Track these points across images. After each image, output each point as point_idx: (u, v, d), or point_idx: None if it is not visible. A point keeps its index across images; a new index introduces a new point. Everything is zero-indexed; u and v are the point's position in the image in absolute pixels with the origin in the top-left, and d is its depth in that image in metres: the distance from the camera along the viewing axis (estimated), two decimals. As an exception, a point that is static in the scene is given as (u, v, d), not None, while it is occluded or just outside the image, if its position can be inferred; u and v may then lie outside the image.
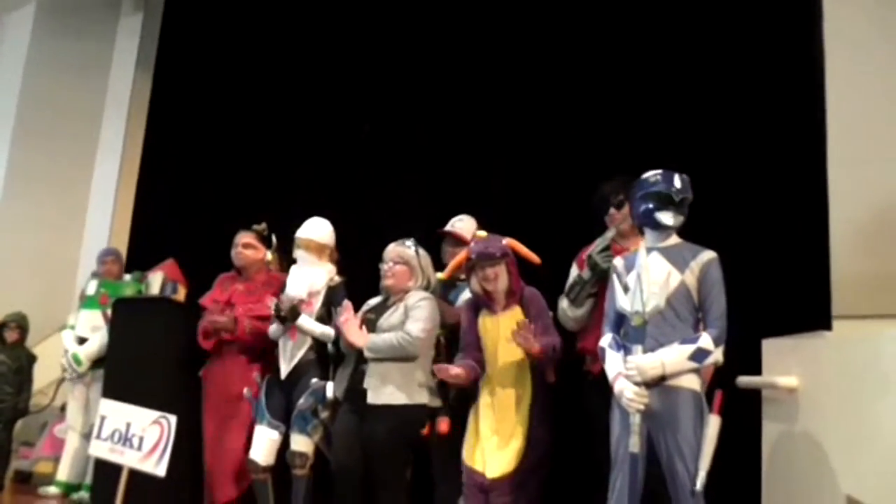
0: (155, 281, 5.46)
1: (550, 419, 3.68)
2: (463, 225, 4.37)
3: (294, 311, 4.20)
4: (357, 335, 3.87)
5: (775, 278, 4.50)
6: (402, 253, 4.02)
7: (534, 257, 3.87)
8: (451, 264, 4.07)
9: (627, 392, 3.02)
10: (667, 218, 3.19)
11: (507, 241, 3.84)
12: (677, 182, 3.20)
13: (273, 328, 4.34)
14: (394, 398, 3.76)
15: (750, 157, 4.75)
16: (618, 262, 3.35)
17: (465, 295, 4.06)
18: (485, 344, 3.78)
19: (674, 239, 3.24)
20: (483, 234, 3.96)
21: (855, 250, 3.96)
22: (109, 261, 5.82)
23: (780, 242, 4.55)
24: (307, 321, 4.23)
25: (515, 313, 3.74)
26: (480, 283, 3.77)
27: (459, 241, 4.23)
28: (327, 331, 4.22)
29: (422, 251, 4.07)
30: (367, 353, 3.83)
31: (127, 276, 5.78)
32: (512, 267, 3.78)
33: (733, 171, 4.75)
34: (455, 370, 3.68)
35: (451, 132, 6.09)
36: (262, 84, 7.27)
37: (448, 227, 4.38)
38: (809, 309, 4.04)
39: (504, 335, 3.67)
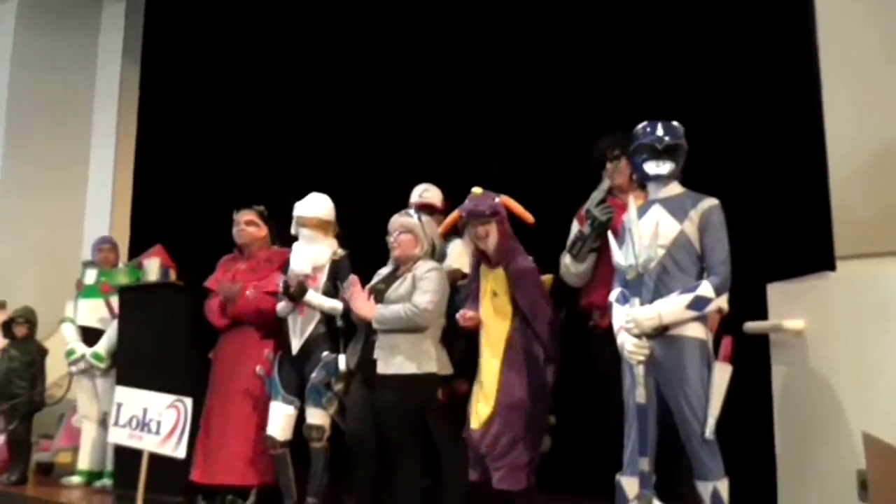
0: (152, 267, 5.48)
1: (534, 368, 3.74)
2: (430, 194, 4.53)
3: (301, 288, 4.22)
4: (365, 307, 3.90)
5: (777, 222, 4.51)
6: (404, 222, 4.05)
7: (528, 216, 3.90)
8: (446, 222, 4.14)
9: (628, 344, 3.05)
10: (652, 167, 3.20)
11: (501, 198, 3.87)
12: (660, 130, 3.21)
13: (281, 306, 4.37)
14: (403, 368, 3.79)
15: (746, 101, 4.74)
16: (624, 217, 3.35)
17: (452, 247, 4.21)
18: (481, 295, 3.86)
19: (675, 189, 3.24)
20: (479, 190, 3.98)
21: (855, 189, 3.94)
22: (106, 248, 5.82)
23: (780, 185, 4.55)
24: (315, 296, 4.26)
25: (499, 274, 3.81)
26: (473, 240, 3.86)
27: (432, 210, 4.40)
28: (335, 304, 4.25)
29: (425, 217, 4.09)
30: (375, 325, 3.86)
31: (120, 265, 5.83)
32: (503, 225, 3.80)
33: (730, 116, 4.75)
34: (469, 313, 3.82)
35: (443, 97, 6.07)
36: (252, 66, 7.25)
37: (416, 199, 4.49)
38: (813, 250, 4.04)
39: (489, 291, 3.79)
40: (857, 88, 4.01)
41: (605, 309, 3.61)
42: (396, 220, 4.07)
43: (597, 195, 3.82)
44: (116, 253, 5.92)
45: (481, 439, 3.64)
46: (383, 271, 4.17)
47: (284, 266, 4.49)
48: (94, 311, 5.60)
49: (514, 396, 3.64)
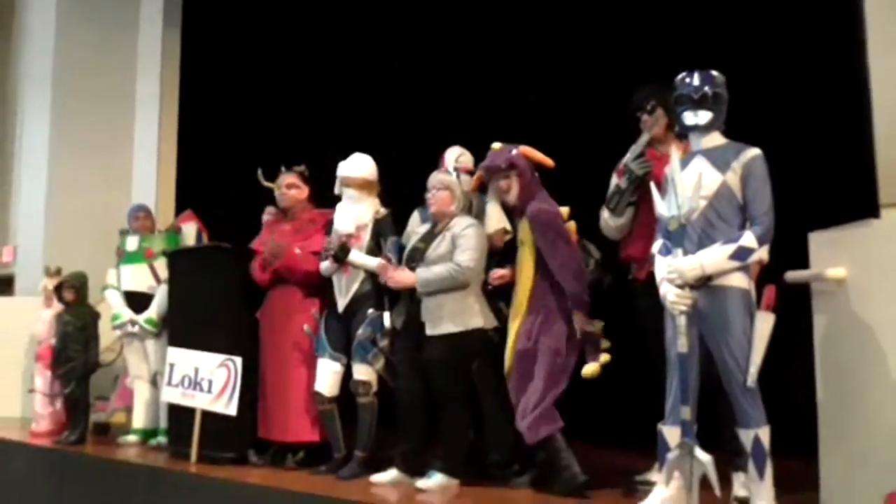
0: (189, 231, 5.62)
1: (553, 314, 3.75)
2: (465, 158, 4.52)
3: (344, 249, 4.28)
4: (404, 277, 3.97)
5: (820, 170, 4.46)
6: (442, 179, 4.12)
7: (547, 161, 3.94)
8: (472, 183, 4.25)
9: (670, 295, 3.06)
10: (690, 118, 3.19)
11: (519, 149, 3.91)
12: (696, 80, 3.19)
13: (325, 265, 4.44)
14: (450, 327, 3.87)
15: (788, 47, 4.67)
16: (666, 169, 3.35)
17: (490, 208, 4.20)
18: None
19: (717, 139, 3.21)
20: (498, 145, 4.02)
21: (901, 136, 3.88)
22: (142, 216, 5.96)
23: (824, 133, 4.49)
24: (359, 256, 4.32)
25: (524, 224, 3.85)
26: (499, 196, 3.93)
27: (469, 175, 4.42)
28: (376, 261, 4.30)
29: (463, 175, 4.14)
30: (420, 290, 3.91)
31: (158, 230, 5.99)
32: (523, 177, 3.83)
33: (773, 63, 4.68)
34: (499, 271, 3.96)
35: (480, 53, 6.05)
36: (291, 26, 7.27)
37: (453, 164, 4.48)
38: (856, 198, 3.99)
39: (520, 241, 3.86)
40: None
41: (643, 261, 3.64)
42: (434, 177, 4.14)
43: (635, 149, 3.82)
44: (153, 219, 6.07)
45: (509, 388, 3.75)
46: (421, 230, 4.22)
47: (328, 226, 4.55)
48: (139, 277, 5.75)
49: (528, 343, 3.71)
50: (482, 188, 4.24)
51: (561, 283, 3.71)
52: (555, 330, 3.72)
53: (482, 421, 4.06)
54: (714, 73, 3.22)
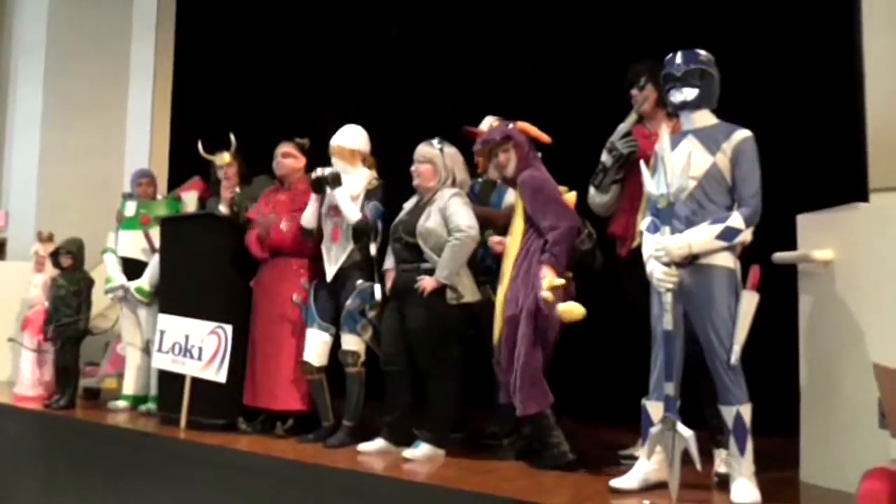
0: (190, 199, 5.61)
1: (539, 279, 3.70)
2: (488, 124, 4.45)
3: (337, 177, 4.30)
4: (428, 282, 3.89)
5: (811, 154, 4.48)
6: (425, 153, 4.13)
7: (543, 137, 3.95)
8: (481, 164, 4.30)
9: (657, 272, 3.09)
10: (675, 95, 3.21)
11: (516, 125, 3.92)
12: (678, 58, 3.21)
13: (307, 215, 4.46)
14: (435, 298, 3.90)
15: (781, 29, 4.67)
16: (657, 147, 3.37)
17: (509, 195, 4.19)
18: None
19: (708, 119, 3.23)
20: (495, 123, 4.09)
21: (892, 121, 3.90)
22: (145, 182, 5.95)
23: (816, 117, 4.51)
24: (343, 197, 4.30)
25: (517, 193, 3.87)
26: (499, 172, 3.96)
27: None
28: (357, 213, 4.28)
29: (448, 149, 4.16)
30: (451, 281, 3.89)
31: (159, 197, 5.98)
32: (520, 149, 3.85)
33: (765, 45, 4.68)
34: (497, 238, 4.03)
35: (479, 25, 6.05)
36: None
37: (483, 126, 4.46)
38: (846, 182, 4.03)
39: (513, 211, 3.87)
40: (898, 16, 3.93)
41: (626, 239, 3.69)
42: (419, 150, 4.16)
43: (623, 127, 3.86)
44: (155, 186, 6.06)
45: (498, 359, 3.77)
46: (407, 205, 4.24)
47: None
48: (135, 243, 5.75)
49: (515, 309, 3.67)
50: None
51: (547, 239, 3.67)
52: (536, 294, 3.67)
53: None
54: (699, 51, 3.23)
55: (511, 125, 3.93)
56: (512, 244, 3.82)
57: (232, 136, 5.17)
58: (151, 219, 5.67)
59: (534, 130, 3.94)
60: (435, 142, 4.17)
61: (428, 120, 4.84)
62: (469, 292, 3.97)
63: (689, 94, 3.18)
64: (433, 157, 4.11)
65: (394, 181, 4.52)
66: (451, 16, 6.26)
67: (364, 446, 4.06)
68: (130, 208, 5.83)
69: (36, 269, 6.47)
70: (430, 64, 6.32)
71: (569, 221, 3.70)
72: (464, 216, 3.94)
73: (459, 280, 3.95)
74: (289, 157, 4.80)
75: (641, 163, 3.37)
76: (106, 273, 5.83)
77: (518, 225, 3.80)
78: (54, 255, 5.98)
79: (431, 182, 4.10)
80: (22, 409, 5.79)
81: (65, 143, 8.02)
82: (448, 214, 3.95)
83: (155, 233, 5.60)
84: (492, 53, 5.98)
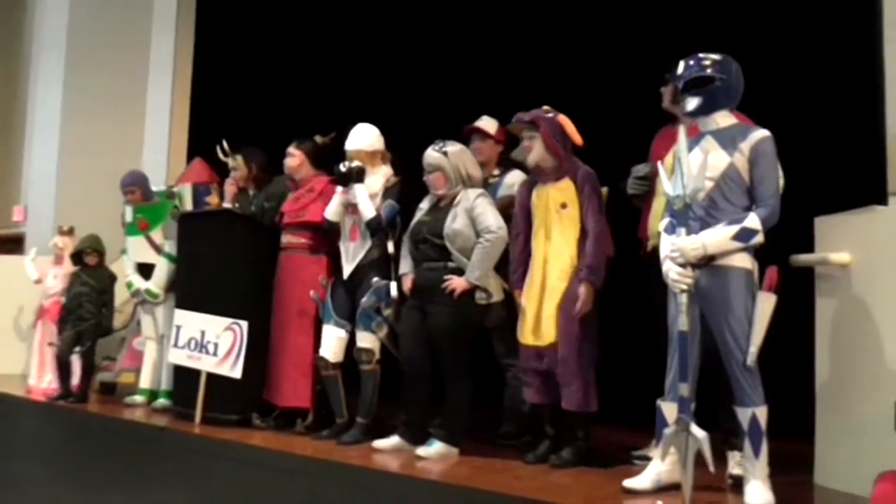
0: (185, 193, 5.58)
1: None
2: (485, 122, 4.64)
3: (362, 171, 4.32)
4: (457, 283, 3.92)
5: (829, 156, 4.46)
6: (431, 161, 4.12)
7: (577, 137, 3.92)
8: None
9: (672, 273, 3.09)
10: (686, 105, 3.21)
11: (556, 116, 3.89)
12: (680, 67, 3.22)
13: (331, 208, 4.47)
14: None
15: (800, 31, 4.65)
16: (674, 148, 3.36)
17: (505, 187, 4.36)
18: (535, 214, 3.90)
19: (727, 120, 3.20)
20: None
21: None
22: (129, 192, 5.91)
23: (835, 119, 4.49)
24: (363, 193, 4.32)
25: (565, 186, 3.83)
26: (524, 154, 3.95)
27: (485, 136, 4.60)
28: (372, 211, 4.30)
29: (452, 149, 4.12)
30: (482, 282, 3.91)
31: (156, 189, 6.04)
32: (549, 140, 3.82)
33: (784, 46, 4.66)
34: None
35: (502, 20, 6.07)
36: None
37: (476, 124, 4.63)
38: (864, 185, 4.01)
39: (553, 206, 3.82)
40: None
41: (646, 240, 3.77)
42: (425, 158, 4.14)
43: (640, 169, 3.96)
44: (142, 190, 5.97)
45: (545, 354, 3.74)
46: (424, 205, 4.24)
47: (326, 189, 4.63)
48: (140, 248, 5.82)
49: (575, 309, 3.69)
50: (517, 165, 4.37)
51: (588, 250, 3.71)
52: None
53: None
54: (703, 56, 3.20)
55: (550, 114, 3.89)
56: (563, 238, 3.79)
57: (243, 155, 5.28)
58: (149, 223, 5.74)
59: (570, 128, 3.91)
60: (437, 146, 4.14)
61: (445, 114, 4.87)
62: (497, 292, 4.00)
63: (691, 103, 3.19)
64: (440, 163, 4.09)
65: (411, 178, 4.53)
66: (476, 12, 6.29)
67: (379, 443, 4.07)
68: (129, 214, 5.88)
69: (55, 263, 6.52)
70: (451, 58, 6.34)
71: (606, 234, 3.80)
72: (492, 217, 3.96)
73: (487, 280, 3.97)
74: (287, 157, 4.88)
75: (659, 164, 3.37)
76: (123, 271, 5.89)
77: (570, 220, 3.78)
78: (77, 255, 5.94)
79: (445, 188, 4.10)
80: (37, 402, 5.84)
81: (84, 138, 8.10)
82: (475, 215, 3.97)
83: (155, 235, 5.73)
84: (514, 46, 6.00)
